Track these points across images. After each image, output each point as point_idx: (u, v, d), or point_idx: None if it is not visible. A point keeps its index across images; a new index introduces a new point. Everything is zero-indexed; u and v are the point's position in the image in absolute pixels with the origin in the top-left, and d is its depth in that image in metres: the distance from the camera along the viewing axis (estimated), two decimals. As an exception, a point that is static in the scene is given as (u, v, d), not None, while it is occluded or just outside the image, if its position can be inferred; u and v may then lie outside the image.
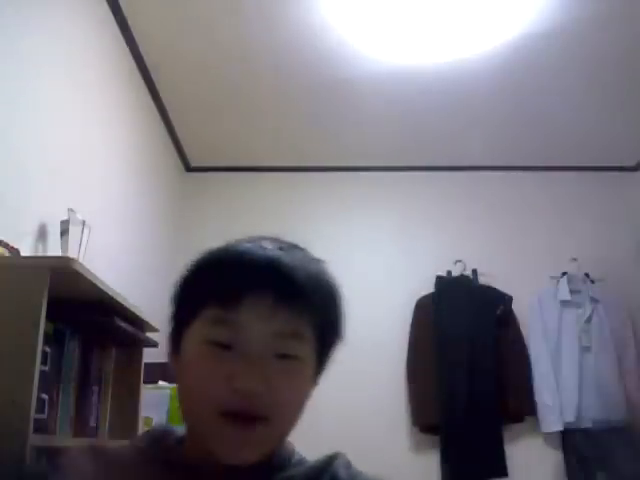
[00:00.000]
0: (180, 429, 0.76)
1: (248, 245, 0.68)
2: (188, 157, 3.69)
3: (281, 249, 0.68)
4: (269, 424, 0.64)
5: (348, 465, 0.73)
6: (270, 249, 0.67)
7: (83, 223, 1.86)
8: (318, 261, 0.72)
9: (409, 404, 3.30)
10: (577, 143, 3.52)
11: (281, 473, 0.70)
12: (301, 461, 0.74)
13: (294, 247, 0.71)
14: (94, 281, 1.39)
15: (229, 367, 0.63)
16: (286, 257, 0.66)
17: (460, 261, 3.47)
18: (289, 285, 0.64)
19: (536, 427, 3.25)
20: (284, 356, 0.66)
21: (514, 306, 3.41)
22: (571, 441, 3.21)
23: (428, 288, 3.46)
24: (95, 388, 1.65)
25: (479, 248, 3.55)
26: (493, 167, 3.73)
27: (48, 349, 1.36)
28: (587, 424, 3.20)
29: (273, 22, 2.58)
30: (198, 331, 0.66)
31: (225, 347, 0.64)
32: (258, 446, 0.65)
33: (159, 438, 0.74)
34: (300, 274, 0.65)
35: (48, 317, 1.25)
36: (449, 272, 3.49)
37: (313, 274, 0.68)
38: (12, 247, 1.54)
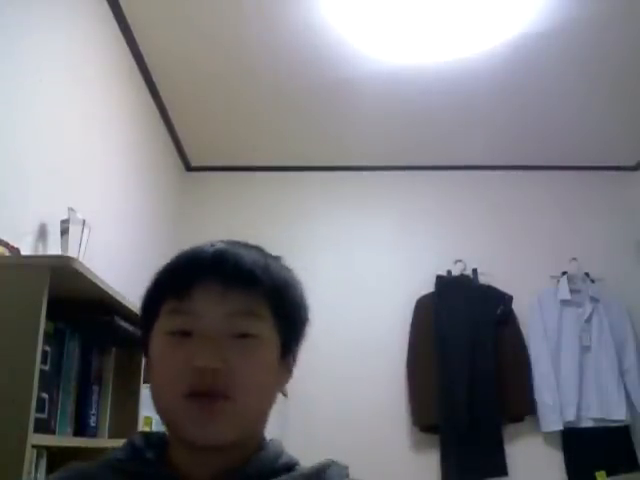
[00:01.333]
0: (160, 434, 0.78)
1: (199, 245, 0.73)
2: (188, 157, 3.69)
3: (230, 244, 0.73)
4: (232, 401, 0.66)
5: (343, 474, 0.72)
6: (217, 244, 0.73)
7: (83, 223, 1.86)
8: (270, 255, 0.75)
9: (409, 404, 3.30)
10: (577, 143, 3.52)
11: (269, 478, 0.70)
12: (290, 463, 0.73)
13: (248, 245, 0.75)
14: (94, 280, 1.39)
15: (189, 350, 0.67)
16: (231, 248, 0.72)
17: (460, 261, 3.48)
18: (235, 269, 0.68)
19: (536, 427, 3.25)
20: (242, 336, 0.68)
21: (514, 306, 3.41)
22: (571, 441, 3.21)
23: (428, 288, 3.46)
24: (95, 388, 1.66)
25: (479, 248, 3.55)
26: (493, 167, 3.73)
27: (48, 349, 1.36)
28: (587, 424, 3.20)
29: (273, 22, 2.58)
30: (160, 326, 0.70)
31: (185, 335, 0.68)
32: (223, 421, 0.66)
33: (139, 449, 0.74)
34: (245, 260, 0.70)
35: (48, 317, 1.25)
36: (449, 272, 3.49)
37: (260, 260, 0.72)
38: (12, 247, 1.55)
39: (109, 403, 1.74)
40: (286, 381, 0.77)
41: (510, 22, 2.55)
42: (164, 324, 0.70)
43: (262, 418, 0.73)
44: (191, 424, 0.66)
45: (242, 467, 0.69)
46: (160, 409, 0.70)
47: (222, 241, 0.74)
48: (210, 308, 0.68)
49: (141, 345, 0.75)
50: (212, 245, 0.72)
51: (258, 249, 0.75)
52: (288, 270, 0.76)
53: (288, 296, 0.73)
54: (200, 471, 0.68)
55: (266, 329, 0.70)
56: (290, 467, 0.73)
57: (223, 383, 0.66)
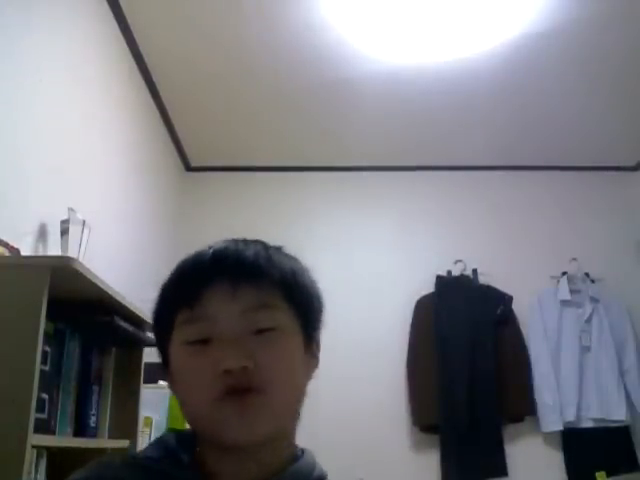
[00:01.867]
0: (189, 434, 0.76)
1: (199, 251, 0.72)
2: (188, 157, 3.69)
3: (229, 242, 0.73)
4: (264, 396, 0.66)
5: None
6: (216, 244, 0.72)
7: (83, 223, 1.86)
8: (272, 245, 0.75)
9: (409, 404, 3.30)
10: (577, 143, 3.52)
11: None
12: (322, 476, 0.73)
13: (247, 240, 0.74)
14: (94, 281, 1.39)
15: (212, 355, 0.66)
16: (231, 245, 0.71)
17: (460, 261, 3.48)
18: (238, 265, 0.68)
19: (536, 427, 3.25)
20: (261, 331, 0.67)
21: (514, 306, 3.41)
22: (571, 441, 3.21)
23: (428, 288, 3.47)
24: (95, 388, 1.65)
25: (479, 248, 3.55)
26: (493, 167, 3.73)
27: (48, 349, 1.36)
28: (587, 424, 3.20)
29: (273, 22, 2.58)
30: (176, 338, 0.69)
31: (204, 342, 0.67)
32: (260, 416, 0.66)
33: (173, 450, 0.73)
34: (247, 254, 0.69)
35: (48, 317, 1.25)
36: (449, 272, 3.49)
37: (261, 251, 0.71)
38: (12, 247, 1.54)
39: (109, 403, 1.73)
40: (314, 369, 0.75)
41: (510, 22, 2.55)
42: (180, 335, 0.69)
43: (294, 412, 0.72)
44: (226, 423, 0.65)
45: (278, 477, 0.68)
46: (192, 418, 0.69)
47: (221, 241, 0.73)
48: (223, 309, 0.67)
49: (160, 360, 0.74)
50: (211, 247, 0.72)
51: (258, 242, 0.74)
52: (292, 258, 0.76)
53: (298, 282, 0.72)
54: (234, 477, 0.68)
55: (284, 319, 0.69)
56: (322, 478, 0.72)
57: (253, 379, 0.65)
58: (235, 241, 0.73)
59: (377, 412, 3.31)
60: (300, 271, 0.74)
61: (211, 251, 0.71)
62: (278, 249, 0.75)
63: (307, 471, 0.72)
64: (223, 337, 0.66)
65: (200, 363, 0.66)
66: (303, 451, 0.75)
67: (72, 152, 2.12)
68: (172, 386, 0.72)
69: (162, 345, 0.72)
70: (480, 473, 3.15)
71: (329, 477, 0.74)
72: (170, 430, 0.79)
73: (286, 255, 0.75)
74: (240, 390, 0.65)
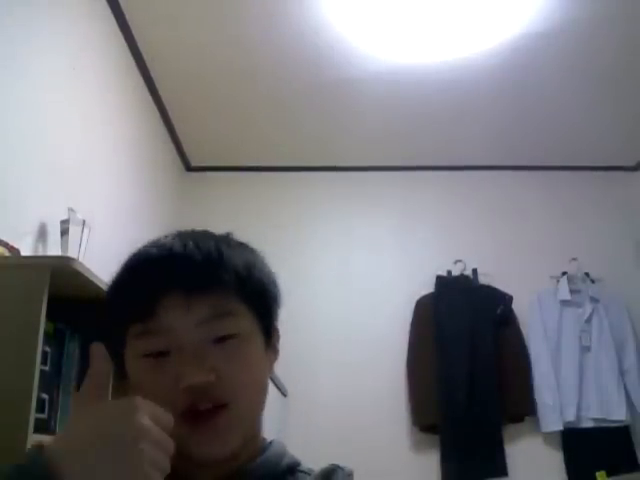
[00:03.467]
0: None
1: (141, 249, 0.69)
2: (188, 157, 3.69)
3: (177, 240, 0.68)
4: (232, 408, 0.64)
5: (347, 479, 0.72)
6: (163, 244, 0.67)
7: (83, 223, 1.86)
8: (222, 238, 0.71)
9: (409, 403, 3.30)
10: (577, 143, 3.52)
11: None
12: (293, 464, 0.73)
13: (200, 236, 0.69)
14: (94, 281, 1.39)
15: (172, 370, 0.63)
16: (180, 247, 0.66)
17: (460, 261, 3.47)
18: (192, 273, 0.64)
19: (536, 427, 3.25)
20: (221, 339, 0.65)
21: (514, 306, 3.40)
22: (571, 441, 3.21)
23: (428, 288, 3.46)
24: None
25: (479, 248, 3.55)
26: (493, 167, 3.73)
27: (48, 349, 1.36)
28: (587, 424, 3.20)
29: (273, 21, 2.58)
30: (131, 350, 0.66)
31: (161, 354, 0.64)
32: (228, 433, 0.64)
33: None
34: (199, 257, 0.65)
35: (48, 317, 1.25)
36: (449, 272, 3.49)
37: (213, 252, 0.66)
38: (12, 247, 1.54)
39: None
40: (275, 360, 0.73)
41: (510, 22, 2.55)
42: (136, 348, 0.65)
43: (259, 414, 0.71)
44: (198, 443, 0.63)
45: (247, 469, 0.68)
46: None
47: (168, 237, 0.69)
48: (179, 321, 0.63)
49: (116, 371, 0.69)
50: (156, 246, 0.67)
51: (206, 237, 0.69)
52: (243, 248, 0.72)
53: (252, 278, 0.68)
54: (204, 476, 0.67)
55: (242, 323, 0.67)
56: (293, 468, 0.72)
57: (217, 394, 0.63)
58: (183, 239, 0.68)
59: (377, 412, 3.31)
60: (253, 263, 0.70)
61: (159, 254, 0.66)
62: (227, 241, 0.70)
63: (276, 460, 0.71)
64: (182, 349, 0.63)
65: (160, 378, 0.63)
66: (272, 442, 0.74)
67: (72, 152, 2.12)
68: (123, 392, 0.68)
69: (116, 356, 0.68)
70: (480, 473, 3.15)
71: (303, 465, 0.73)
72: None
73: (236, 247, 0.71)
74: (204, 409, 0.62)
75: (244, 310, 0.67)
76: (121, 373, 0.69)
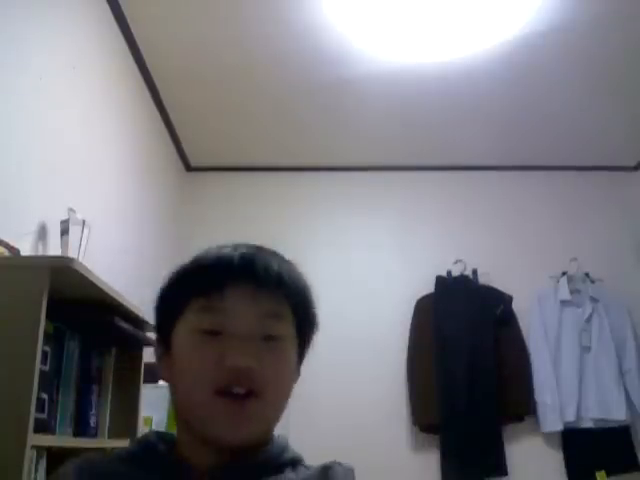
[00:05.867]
0: (172, 433, 0.78)
1: (223, 247, 0.75)
2: (188, 157, 3.69)
3: (254, 248, 0.76)
4: (262, 399, 0.68)
5: (348, 475, 0.74)
6: (242, 247, 0.75)
7: (83, 223, 1.86)
8: (285, 257, 0.79)
9: (409, 403, 3.30)
10: (577, 143, 3.52)
11: (273, 474, 0.71)
12: (294, 458, 0.76)
13: (267, 249, 0.78)
14: (94, 281, 1.39)
15: (220, 349, 0.68)
16: (259, 252, 0.74)
17: (460, 261, 3.47)
18: (265, 273, 0.71)
19: (536, 427, 3.25)
20: (269, 338, 0.70)
21: (514, 306, 3.41)
22: (571, 441, 3.21)
23: (428, 288, 3.46)
24: (95, 388, 1.66)
25: (479, 248, 3.55)
26: (493, 167, 3.73)
27: (48, 349, 1.36)
28: (587, 424, 3.20)
29: (273, 21, 2.58)
30: (187, 322, 0.71)
31: (214, 334, 0.69)
32: (253, 421, 0.68)
33: (152, 443, 0.75)
34: (273, 264, 0.73)
35: (48, 317, 1.25)
36: (449, 272, 3.49)
37: (284, 264, 0.75)
38: (12, 247, 1.54)
39: (109, 403, 1.74)
40: (296, 382, 0.78)
41: (510, 22, 2.55)
42: (192, 321, 0.70)
43: (280, 417, 0.74)
44: (223, 423, 0.67)
45: (249, 458, 0.71)
46: (185, 406, 0.71)
47: (244, 245, 0.76)
48: (242, 309, 0.70)
49: (157, 340, 0.75)
50: (237, 248, 0.74)
51: (276, 253, 0.77)
52: (303, 274, 0.79)
53: (307, 299, 0.76)
54: (207, 460, 0.70)
55: (288, 330, 0.73)
56: (294, 462, 0.75)
57: (254, 381, 0.67)
58: (258, 248, 0.76)
59: (377, 412, 3.31)
60: (309, 289, 0.77)
61: (239, 252, 0.73)
62: (293, 264, 0.78)
63: (278, 452, 0.74)
64: (235, 334, 0.69)
65: (207, 353, 0.68)
66: (276, 436, 0.77)
67: (72, 152, 2.12)
68: (167, 373, 0.73)
69: (164, 329, 0.74)
70: (480, 473, 3.15)
71: (310, 463, 0.76)
72: (152, 431, 0.81)
73: (299, 271, 0.78)
74: (239, 390, 0.67)
75: (292, 322, 0.74)
76: (166, 345, 0.74)
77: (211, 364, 0.67)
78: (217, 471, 0.69)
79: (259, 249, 0.76)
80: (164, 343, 0.74)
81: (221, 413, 0.67)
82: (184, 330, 0.71)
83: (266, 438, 0.74)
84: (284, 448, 0.76)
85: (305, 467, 0.75)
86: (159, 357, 0.75)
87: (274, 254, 0.76)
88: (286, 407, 0.74)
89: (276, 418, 0.73)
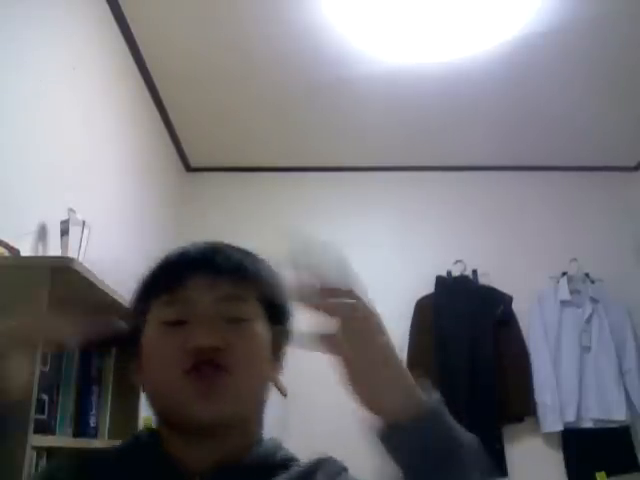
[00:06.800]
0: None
1: (184, 247, 0.78)
2: (188, 157, 3.68)
3: (211, 243, 0.79)
4: (231, 376, 0.69)
5: (339, 470, 0.75)
6: (201, 244, 0.78)
7: (83, 223, 1.86)
8: (248, 250, 0.81)
9: (409, 404, 3.29)
10: (577, 143, 3.52)
11: (265, 476, 0.71)
12: (287, 458, 0.76)
13: (224, 243, 0.80)
14: (94, 281, 1.39)
15: (186, 333, 0.70)
16: (218, 245, 0.78)
17: (460, 261, 3.47)
18: (224, 261, 0.74)
19: (536, 427, 3.25)
20: (234, 320, 0.72)
21: (514, 306, 3.40)
22: (571, 441, 3.21)
23: (428, 288, 3.46)
24: (95, 388, 1.66)
25: (479, 248, 3.55)
26: (493, 167, 3.73)
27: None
28: (587, 424, 3.20)
29: (273, 22, 2.58)
30: (153, 319, 0.73)
31: (179, 324, 0.71)
32: (224, 396, 0.69)
33: (145, 439, 0.76)
34: (233, 253, 0.77)
35: (48, 317, 1.25)
36: (449, 272, 3.49)
37: (242, 252, 0.78)
38: (12, 247, 1.54)
39: (109, 403, 1.73)
40: (278, 373, 0.79)
41: (510, 22, 2.55)
42: (157, 315, 0.73)
43: (257, 399, 0.75)
44: (193, 398, 0.68)
45: (240, 459, 0.71)
46: (157, 395, 0.72)
47: (205, 241, 0.79)
48: (202, 294, 0.72)
49: (131, 349, 0.76)
50: (197, 245, 0.78)
51: (238, 247, 0.80)
52: (271, 269, 0.80)
53: (272, 282, 0.77)
54: (197, 461, 0.70)
55: (253, 311, 0.74)
56: (287, 462, 0.75)
57: (222, 359, 0.69)
58: (221, 243, 0.79)
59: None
60: (274, 275, 0.79)
61: (197, 247, 0.77)
62: (255, 254, 0.80)
63: (270, 452, 0.75)
64: (199, 319, 0.70)
65: (173, 338, 0.70)
66: (268, 438, 0.78)
67: (72, 152, 2.12)
68: (139, 373, 0.74)
69: (136, 334, 0.75)
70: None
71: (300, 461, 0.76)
72: (145, 428, 0.81)
73: (261, 259, 0.80)
74: (208, 368, 0.68)
75: (259, 308, 0.75)
76: (137, 349, 0.75)
77: (177, 348, 0.69)
78: (208, 474, 0.69)
79: (219, 243, 0.79)
80: (136, 348, 0.75)
81: (191, 390, 0.68)
82: (150, 327, 0.73)
83: (248, 431, 0.74)
84: (277, 448, 0.76)
85: (299, 466, 0.75)
86: (137, 369, 0.75)
87: (235, 247, 0.79)
88: (264, 390, 0.75)
89: (250, 397, 0.73)
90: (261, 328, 0.74)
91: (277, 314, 0.77)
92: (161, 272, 0.77)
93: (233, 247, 0.79)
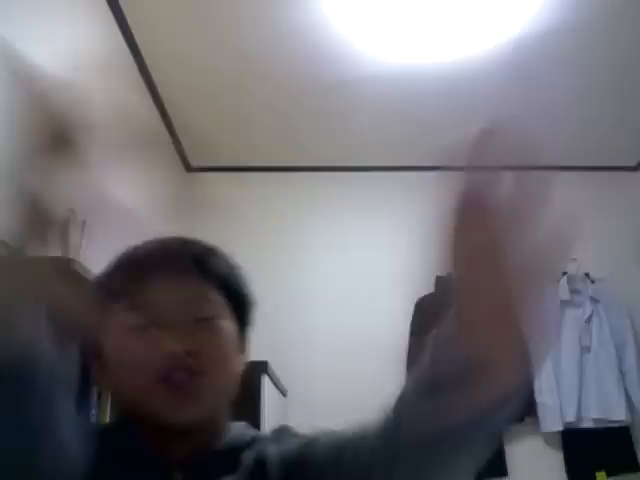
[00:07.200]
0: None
1: (139, 245, 0.77)
2: (188, 157, 3.68)
3: (173, 239, 0.78)
4: (206, 378, 0.69)
5: (283, 437, 0.77)
6: (157, 243, 0.77)
7: (83, 223, 1.86)
8: (211, 246, 0.80)
9: (409, 404, 3.29)
10: (577, 143, 3.51)
11: (235, 454, 0.73)
12: (255, 437, 0.78)
13: (188, 239, 0.79)
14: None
15: (154, 338, 0.69)
16: (176, 242, 0.77)
17: (460, 261, 3.46)
18: (184, 260, 0.73)
19: (536, 427, 3.25)
20: (201, 320, 0.72)
21: (514, 306, 3.40)
22: (571, 441, 3.21)
23: (428, 288, 3.46)
24: (95, 389, 1.65)
25: (479, 248, 3.54)
26: (493, 167, 3.72)
27: (48, 349, 1.36)
28: (587, 424, 3.20)
29: (273, 22, 2.58)
30: (117, 323, 0.71)
31: (146, 327, 0.70)
32: (199, 400, 0.69)
33: (117, 432, 0.76)
34: (192, 250, 0.75)
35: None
36: (449, 272, 3.48)
37: (205, 248, 0.77)
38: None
39: (109, 403, 1.73)
40: (243, 366, 0.78)
41: (510, 22, 2.55)
42: (122, 319, 0.71)
43: (229, 395, 0.75)
44: (169, 407, 0.67)
45: (213, 446, 0.72)
46: (127, 399, 0.71)
47: (162, 239, 0.78)
48: (167, 297, 0.71)
49: (89, 350, 0.74)
50: (153, 241, 0.76)
51: (198, 241, 0.79)
52: (230, 258, 0.80)
53: (235, 278, 0.78)
54: (171, 453, 0.70)
55: (221, 310, 0.74)
56: (254, 440, 0.76)
57: (196, 363, 0.68)
58: (178, 238, 0.78)
59: (377, 413, 3.30)
60: (237, 270, 0.79)
61: (154, 247, 0.75)
62: (216, 248, 0.79)
63: (239, 435, 0.76)
64: (166, 322, 0.69)
65: (143, 345, 0.69)
66: (236, 423, 0.79)
67: (72, 152, 2.12)
68: (101, 377, 0.73)
69: (94, 336, 0.73)
70: (480, 473, 3.13)
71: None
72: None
73: (225, 255, 0.79)
74: (182, 373, 0.67)
75: (224, 304, 0.75)
76: (97, 355, 0.73)
77: (147, 357, 0.68)
78: (186, 465, 0.69)
79: (177, 239, 0.77)
80: (98, 353, 0.74)
81: (166, 397, 0.67)
82: (115, 333, 0.71)
83: (218, 421, 0.75)
84: (244, 430, 0.78)
85: (262, 440, 0.77)
86: (98, 368, 0.75)
87: (195, 242, 0.78)
88: (234, 387, 0.75)
89: (224, 394, 0.74)
90: (229, 325, 0.75)
91: (241, 307, 0.78)
92: (122, 273, 0.75)
93: (191, 242, 0.78)
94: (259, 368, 2.43)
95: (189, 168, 3.77)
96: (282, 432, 0.79)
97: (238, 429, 0.77)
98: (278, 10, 2.50)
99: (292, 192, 3.73)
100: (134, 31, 2.60)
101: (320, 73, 2.89)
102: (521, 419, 3.27)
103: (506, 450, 3.18)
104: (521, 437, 3.28)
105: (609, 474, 3.09)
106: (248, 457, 0.72)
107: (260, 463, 0.72)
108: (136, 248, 0.76)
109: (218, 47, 2.74)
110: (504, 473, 3.14)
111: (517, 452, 3.22)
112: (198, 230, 3.30)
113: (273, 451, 0.74)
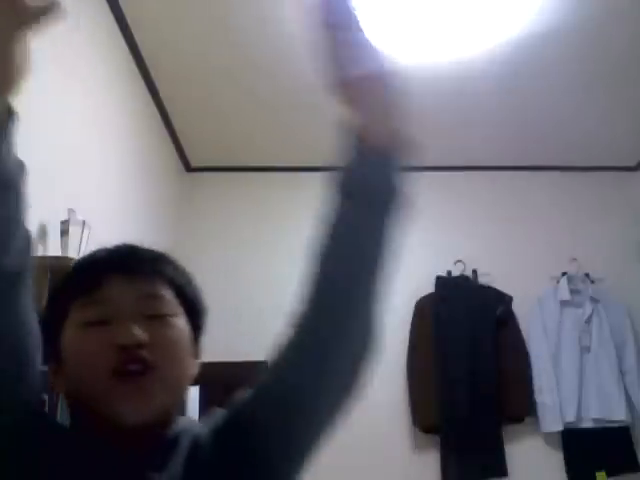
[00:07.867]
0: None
1: (97, 250, 0.80)
2: (188, 157, 3.68)
3: (124, 245, 0.80)
4: (158, 371, 0.70)
5: (214, 415, 0.78)
6: (113, 247, 0.79)
7: (83, 223, 1.86)
8: (166, 254, 0.83)
9: (409, 404, 3.29)
10: (577, 143, 3.51)
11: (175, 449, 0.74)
12: (187, 428, 0.78)
13: (137, 244, 0.82)
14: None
15: (108, 332, 0.71)
16: (131, 246, 0.80)
17: (460, 261, 3.47)
18: (138, 261, 0.77)
19: (536, 427, 3.25)
20: (153, 317, 0.74)
21: (514, 306, 3.40)
22: (571, 441, 3.21)
23: (428, 288, 3.46)
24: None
25: (479, 248, 3.55)
26: (493, 167, 3.72)
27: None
28: (587, 424, 3.20)
29: (273, 21, 2.57)
30: (73, 322, 0.73)
31: (100, 324, 0.72)
32: (153, 397, 0.70)
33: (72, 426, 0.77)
34: (145, 253, 0.79)
35: (48, 317, 1.25)
36: (449, 272, 3.49)
37: (156, 253, 0.81)
38: (12, 247, 1.54)
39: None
40: (196, 368, 0.80)
41: (510, 22, 2.55)
42: (77, 319, 0.73)
43: (181, 391, 0.76)
44: (123, 403, 0.68)
45: (164, 438, 0.73)
46: (82, 395, 0.72)
47: (117, 244, 0.81)
48: (120, 294, 0.73)
49: (48, 358, 0.75)
50: (109, 248, 0.79)
51: (150, 248, 0.82)
52: (182, 265, 0.83)
53: (187, 282, 0.81)
54: (123, 444, 0.71)
55: (172, 308, 0.76)
56: (200, 432, 0.77)
57: (148, 357, 0.70)
58: (130, 244, 0.81)
59: (377, 412, 3.29)
60: (188, 274, 0.82)
61: (110, 249, 0.79)
62: (167, 253, 0.83)
63: (190, 422, 0.79)
64: (120, 317, 0.71)
65: (96, 339, 0.70)
66: (182, 417, 0.80)
67: (72, 152, 2.12)
68: (57, 376, 0.74)
69: (52, 337, 0.74)
70: (480, 473, 3.15)
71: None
72: None
73: (173, 259, 0.82)
74: (135, 365, 0.69)
75: (176, 304, 0.77)
76: (56, 358, 0.74)
77: (102, 349, 0.69)
78: (135, 458, 0.70)
79: (131, 245, 0.80)
80: (54, 357, 0.75)
81: (121, 394, 0.68)
82: (71, 330, 0.73)
83: (169, 419, 0.76)
84: (190, 424, 0.79)
85: (200, 426, 0.79)
86: (53, 373, 0.76)
87: (147, 248, 0.81)
88: (186, 384, 0.76)
89: (177, 389, 0.75)
90: (183, 323, 0.76)
91: (193, 311, 0.79)
92: (77, 275, 0.78)
93: (145, 248, 0.81)
94: (259, 368, 2.43)
95: (189, 168, 3.77)
96: (214, 413, 0.80)
97: (183, 422, 0.79)
98: (279, 10, 2.50)
99: (292, 192, 3.73)
100: (134, 30, 2.60)
101: (320, 73, 2.88)
102: (521, 419, 3.28)
103: (506, 450, 3.18)
104: (521, 437, 3.28)
105: (609, 474, 3.09)
106: (184, 442, 0.75)
107: (194, 445, 0.75)
108: (92, 253, 0.80)
109: (218, 47, 2.74)
110: (504, 473, 3.14)
111: (517, 452, 3.22)
112: (197, 229, 3.31)
113: (204, 430, 0.77)
